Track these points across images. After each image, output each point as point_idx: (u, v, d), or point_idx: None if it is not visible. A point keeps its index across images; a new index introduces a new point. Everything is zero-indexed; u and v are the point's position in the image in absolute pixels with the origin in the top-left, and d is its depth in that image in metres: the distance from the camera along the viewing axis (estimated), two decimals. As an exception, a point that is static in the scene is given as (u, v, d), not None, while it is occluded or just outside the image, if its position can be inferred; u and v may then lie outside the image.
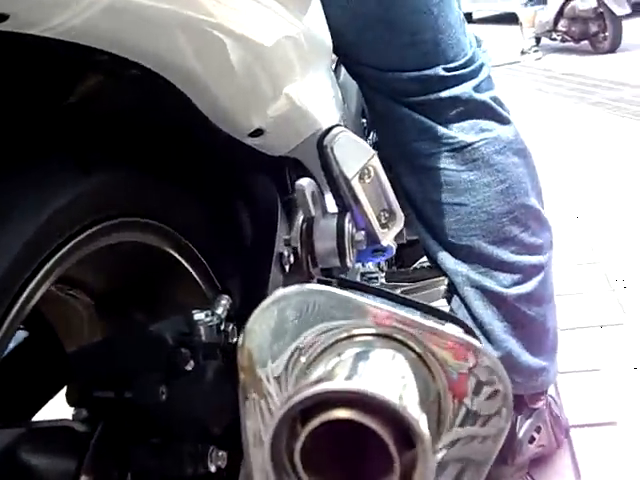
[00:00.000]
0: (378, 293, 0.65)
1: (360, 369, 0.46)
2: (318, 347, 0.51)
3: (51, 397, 1.07)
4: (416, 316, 0.51)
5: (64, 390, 0.93)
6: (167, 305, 0.86)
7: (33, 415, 1.08)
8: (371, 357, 0.48)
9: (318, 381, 0.43)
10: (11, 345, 1.08)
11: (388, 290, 0.65)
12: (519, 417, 1.35)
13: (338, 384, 0.43)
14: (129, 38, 0.57)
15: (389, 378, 0.46)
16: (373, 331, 0.51)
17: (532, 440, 1.38)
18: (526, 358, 1.25)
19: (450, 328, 0.50)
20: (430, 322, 0.50)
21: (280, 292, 0.52)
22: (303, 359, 0.51)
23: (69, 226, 0.64)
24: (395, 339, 0.51)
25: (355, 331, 0.51)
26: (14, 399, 1.02)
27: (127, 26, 0.56)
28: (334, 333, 0.51)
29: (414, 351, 0.52)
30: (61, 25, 0.49)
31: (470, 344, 0.50)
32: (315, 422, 0.42)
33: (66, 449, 0.73)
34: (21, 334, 1.10)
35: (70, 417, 0.78)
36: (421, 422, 0.43)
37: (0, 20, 0.43)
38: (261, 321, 0.52)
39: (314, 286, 0.52)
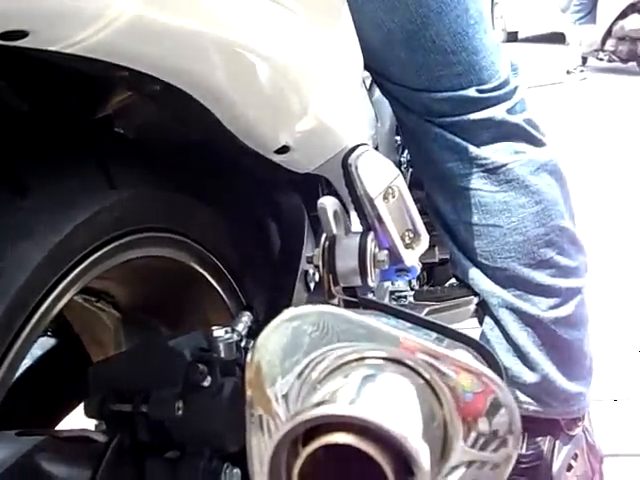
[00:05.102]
0: (396, 314, 0.64)
1: (364, 394, 0.45)
2: (328, 367, 0.50)
3: (76, 406, 1.08)
4: (426, 341, 0.50)
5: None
6: (191, 320, 0.87)
7: (58, 422, 1.09)
8: (377, 382, 0.48)
9: (320, 403, 0.43)
10: (39, 352, 1.10)
11: (406, 310, 0.64)
12: (556, 443, 1.31)
13: (339, 409, 0.42)
14: (153, 55, 0.57)
15: (392, 405, 0.45)
16: (384, 355, 0.50)
17: (569, 468, 1.35)
18: (563, 382, 1.23)
19: (460, 354, 0.49)
20: (439, 347, 0.50)
21: (292, 311, 0.52)
22: (314, 375, 0.51)
23: (93, 239, 0.65)
24: (404, 364, 0.50)
25: (366, 354, 0.50)
26: (39, 406, 1.03)
27: (151, 43, 0.56)
28: (345, 353, 0.51)
29: (422, 376, 0.52)
30: (83, 41, 0.49)
31: (478, 371, 0.49)
32: (314, 445, 0.42)
33: (83, 459, 0.73)
34: (50, 342, 1.12)
35: (92, 427, 0.79)
36: (421, 453, 0.42)
37: (20, 37, 0.44)
38: (272, 338, 0.52)
39: (325, 307, 0.52)
